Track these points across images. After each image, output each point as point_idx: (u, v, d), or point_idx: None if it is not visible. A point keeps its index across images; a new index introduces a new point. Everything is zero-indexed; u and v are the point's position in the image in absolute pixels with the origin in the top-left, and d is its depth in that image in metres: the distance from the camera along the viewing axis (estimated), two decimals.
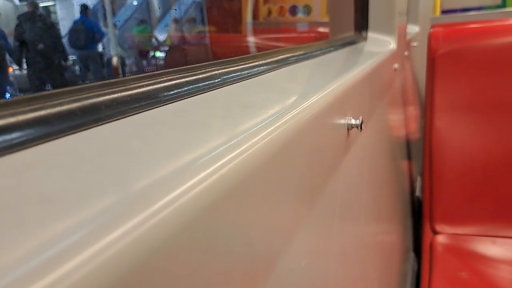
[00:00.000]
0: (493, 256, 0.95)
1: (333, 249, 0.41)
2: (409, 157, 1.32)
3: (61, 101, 0.17)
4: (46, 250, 0.10)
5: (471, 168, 1.05)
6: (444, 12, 2.17)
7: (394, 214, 0.93)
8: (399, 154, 1.09)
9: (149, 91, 0.21)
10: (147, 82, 0.22)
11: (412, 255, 1.13)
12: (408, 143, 1.29)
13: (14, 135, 0.15)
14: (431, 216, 1.06)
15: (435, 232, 1.04)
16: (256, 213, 0.20)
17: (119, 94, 0.19)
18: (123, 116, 0.19)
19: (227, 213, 0.17)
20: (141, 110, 0.20)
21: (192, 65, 0.27)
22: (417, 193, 1.39)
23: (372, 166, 0.66)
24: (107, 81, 0.19)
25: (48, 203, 0.12)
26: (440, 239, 1.01)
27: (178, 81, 0.24)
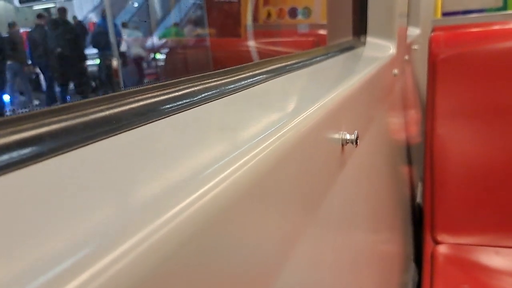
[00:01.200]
0: (497, 267, 0.93)
1: (331, 261, 0.40)
2: (409, 163, 1.29)
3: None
4: (49, 267, 0.10)
5: (473, 175, 1.03)
6: (445, 14, 2.15)
7: (394, 223, 0.91)
8: (399, 161, 1.06)
9: (110, 115, 0.19)
10: (107, 106, 0.19)
11: (412, 265, 1.11)
12: (408, 150, 1.27)
13: None
14: (432, 225, 1.04)
15: (437, 242, 1.01)
16: (247, 234, 0.20)
17: (68, 123, 0.17)
18: (70, 149, 0.16)
19: (220, 233, 0.17)
20: (96, 140, 0.17)
21: (165, 82, 0.24)
22: (418, 199, 1.36)
23: (371, 177, 0.63)
24: (48, 109, 0.16)
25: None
26: (442, 249, 0.98)
27: (147, 101, 0.22)
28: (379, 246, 0.72)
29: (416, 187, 1.41)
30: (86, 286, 0.10)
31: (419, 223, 1.18)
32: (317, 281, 0.35)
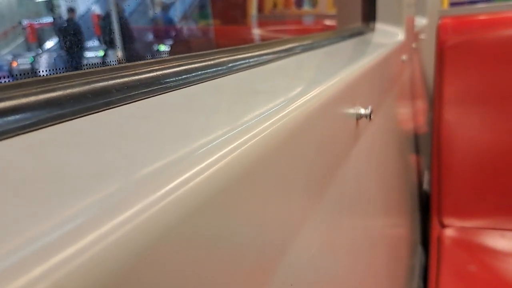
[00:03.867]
0: (502, 250, 0.95)
1: (341, 241, 0.40)
2: (417, 150, 1.31)
3: (72, 83, 0.17)
4: (54, 231, 0.10)
5: (480, 161, 1.04)
6: (452, 4, 2.14)
7: (402, 207, 0.92)
8: (407, 148, 1.08)
9: (158, 76, 0.21)
10: (157, 67, 0.22)
11: (420, 248, 1.13)
12: (416, 137, 1.28)
13: (25, 115, 0.15)
14: (439, 209, 1.05)
15: (443, 226, 1.03)
16: (262, 203, 0.20)
17: (129, 78, 0.19)
18: (134, 100, 0.19)
19: (234, 200, 0.17)
20: (151, 95, 0.20)
21: (200, 52, 0.27)
22: (425, 186, 1.38)
23: (381, 158, 0.65)
24: (117, 66, 0.19)
25: (58, 180, 0.12)
26: (448, 232, 1.00)
27: (188, 67, 0.24)
28: (388, 228, 0.73)
29: (422, 175, 1.43)
30: (81, 255, 0.10)
31: (425, 209, 1.20)
32: (327, 259, 0.35)
